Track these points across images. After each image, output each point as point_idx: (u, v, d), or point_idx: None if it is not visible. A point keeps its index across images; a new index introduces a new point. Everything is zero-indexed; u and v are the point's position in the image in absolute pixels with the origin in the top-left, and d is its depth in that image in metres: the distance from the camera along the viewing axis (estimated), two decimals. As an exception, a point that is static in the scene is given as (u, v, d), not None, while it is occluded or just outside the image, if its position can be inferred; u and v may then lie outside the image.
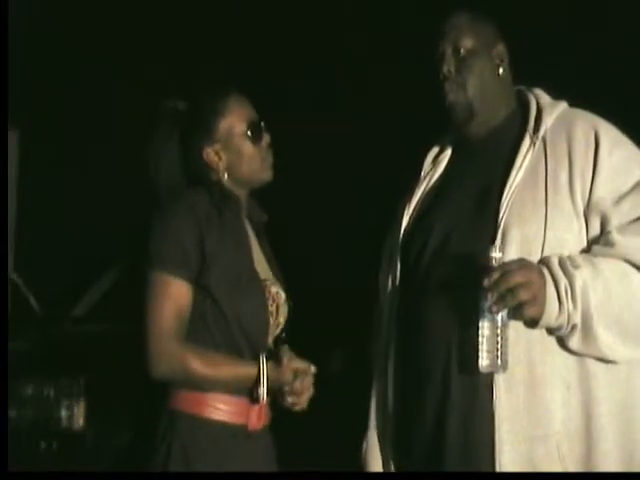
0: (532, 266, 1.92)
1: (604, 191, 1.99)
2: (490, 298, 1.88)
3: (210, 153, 2.20)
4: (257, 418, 2.14)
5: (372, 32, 6.33)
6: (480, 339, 1.90)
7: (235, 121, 2.22)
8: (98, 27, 6.99)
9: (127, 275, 5.31)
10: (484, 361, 1.90)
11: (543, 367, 1.95)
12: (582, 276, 1.91)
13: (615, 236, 1.96)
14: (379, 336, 2.19)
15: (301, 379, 2.13)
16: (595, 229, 1.99)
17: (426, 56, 2.15)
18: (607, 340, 1.92)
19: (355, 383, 2.35)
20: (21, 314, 5.33)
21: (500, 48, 2.17)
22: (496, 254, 1.91)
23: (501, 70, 2.15)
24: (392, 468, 2.13)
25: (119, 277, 5.56)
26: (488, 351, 1.90)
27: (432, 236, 2.10)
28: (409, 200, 2.21)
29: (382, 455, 2.15)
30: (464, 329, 1.97)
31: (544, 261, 1.95)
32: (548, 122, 2.09)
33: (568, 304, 1.90)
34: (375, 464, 2.16)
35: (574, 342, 1.93)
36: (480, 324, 1.90)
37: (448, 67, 2.11)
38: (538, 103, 2.14)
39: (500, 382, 1.95)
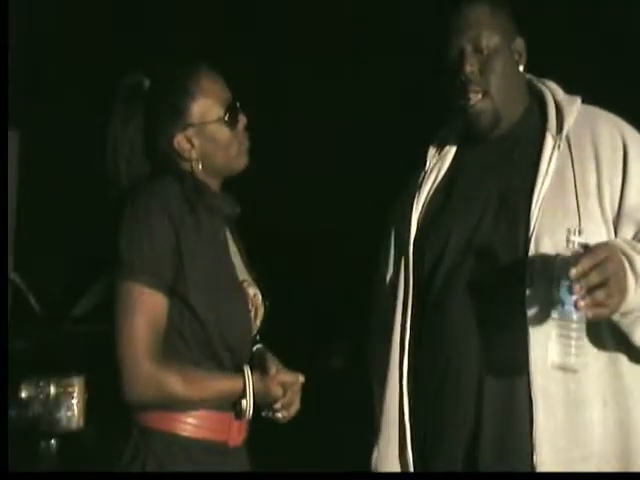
0: (614, 254, 1.75)
1: (636, 199, 1.91)
2: (578, 291, 1.68)
3: (182, 140, 1.96)
4: (238, 433, 1.99)
5: (372, 24, 6.31)
6: (555, 332, 1.76)
7: (209, 103, 1.97)
8: (98, 27, 6.98)
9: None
10: (557, 357, 1.76)
11: (578, 384, 1.86)
12: None
13: None
14: (383, 338, 2.09)
15: (291, 391, 1.97)
16: (627, 236, 1.92)
17: (436, 53, 1.99)
18: None
19: (355, 384, 2.33)
20: (21, 314, 5.32)
21: (519, 41, 2.04)
22: (577, 238, 1.73)
23: (521, 67, 2.03)
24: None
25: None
26: (563, 346, 1.75)
27: (452, 236, 1.98)
28: (417, 195, 2.08)
29: (401, 462, 2.05)
30: (499, 341, 1.87)
31: (608, 243, 1.82)
32: (570, 121, 1.99)
33: None
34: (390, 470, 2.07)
35: None
36: (556, 317, 1.75)
37: (472, 68, 1.95)
38: (555, 100, 2.03)
39: (538, 400, 1.84)
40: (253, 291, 2.06)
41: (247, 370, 1.94)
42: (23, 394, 4.41)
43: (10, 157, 5.26)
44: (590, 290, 1.69)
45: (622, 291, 1.74)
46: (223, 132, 1.99)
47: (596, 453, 1.86)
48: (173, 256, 1.87)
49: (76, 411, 4.44)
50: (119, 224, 1.90)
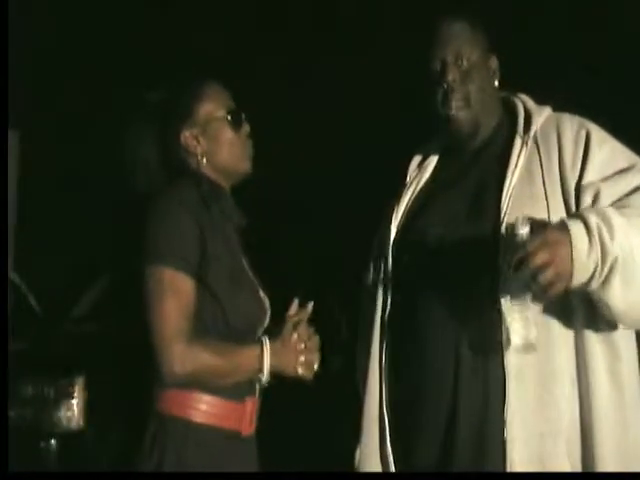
0: (554, 236, 1.83)
1: (593, 177, 1.99)
2: (515, 282, 1.83)
3: (188, 137, 2.12)
4: (250, 423, 2.07)
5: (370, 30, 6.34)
6: (509, 319, 1.87)
7: (214, 106, 2.15)
8: (98, 27, 7.00)
9: (127, 275, 5.31)
10: (517, 340, 1.88)
11: (553, 364, 1.93)
12: (618, 217, 1.86)
13: (624, 201, 1.94)
14: (364, 342, 2.15)
15: (303, 324, 2.08)
16: (587, 204, 1.97)
17: (420, 63, 2.10)
18: None
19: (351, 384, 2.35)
20: (21, 314, 5.32)
21: (494, 59, 2.15)
22: (522, 230, 1.84)
23: (496, 82, 2.14)
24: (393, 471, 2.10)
25: (119, 277, 5.57)
26: (518, 330, 1.88)
27: (427, 238, 2.07)
28: (397, 205, 2.18)
29: (381, 461, 2.09)
30: (473, 326, 1.95)
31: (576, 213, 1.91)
32: (538, 122, 2.09)
33: (603, 235, 1.83)
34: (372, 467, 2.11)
35: (616, 285, 1.85)
36: (508, 304, 1.88)
37: (453, 76, 2.06)
38: (525, 107, 2.14)
39: (511, 379, 1.92)
40: (262, 294, 2.16)
41: (264, 338, 2.04)
42: (23, 394, 4.43)
43: (10, 157, 5.27)
44: (538, 271, 1.79)
45: (564, 276, 1.82)
46: (226, 132, 2.16)
47: (566, 428, 1.93)
48: (197, 245, 2.00)
49: (76, 411, 4.45)
50: (144, 222, 2.02)
